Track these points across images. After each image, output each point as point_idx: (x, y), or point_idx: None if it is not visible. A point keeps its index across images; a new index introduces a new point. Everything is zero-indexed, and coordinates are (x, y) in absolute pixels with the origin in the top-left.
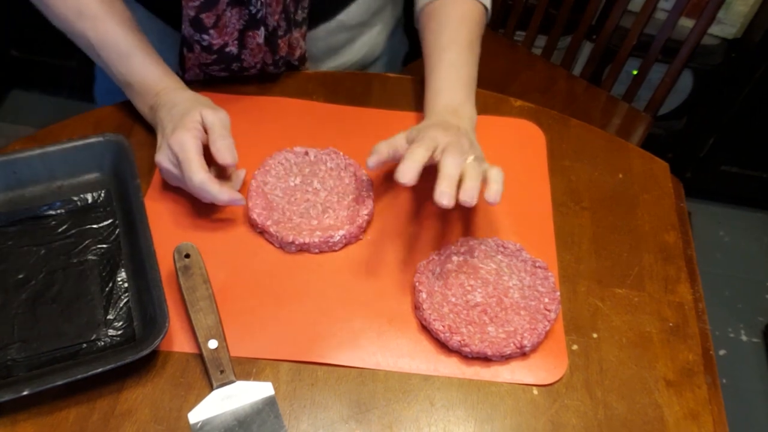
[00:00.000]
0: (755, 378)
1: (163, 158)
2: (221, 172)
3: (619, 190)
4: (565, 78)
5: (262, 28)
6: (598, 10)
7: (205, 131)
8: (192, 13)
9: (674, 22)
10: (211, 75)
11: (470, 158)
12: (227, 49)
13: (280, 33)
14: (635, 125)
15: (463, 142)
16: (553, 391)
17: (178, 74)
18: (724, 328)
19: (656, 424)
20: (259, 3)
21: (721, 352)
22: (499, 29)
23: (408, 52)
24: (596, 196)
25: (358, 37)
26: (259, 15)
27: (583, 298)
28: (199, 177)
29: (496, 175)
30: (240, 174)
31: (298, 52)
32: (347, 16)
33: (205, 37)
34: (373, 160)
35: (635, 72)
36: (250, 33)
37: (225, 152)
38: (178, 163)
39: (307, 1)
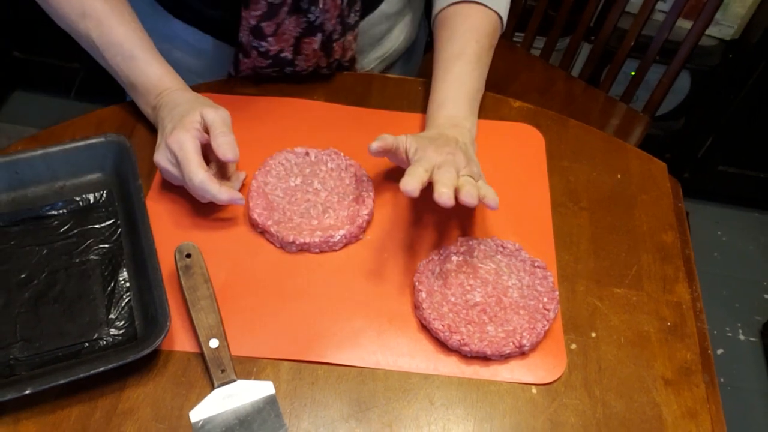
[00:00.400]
0: (753, 377)
1: (161, 158)
2: (221, 172)
3: (617, 191)
4: (563, 79)
5: (319, 35)
6: (597, 11)
7: (206, 131)
8: (253, 22)
9: (672, 24)
10: (265, 74)
11: (464, 173)
12: (282, 55)
13: (335, 37)
14: (633, 126)
15: (459, 158)
16: (552, 390)
17: (229, 74)
18: (722, 327)
19: (654, 423)
20: (317, 11)
21: (719, 352)
22: None
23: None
24: (595, 197)
25: (395, 25)
26: (317, 22)
27: (581, 297)
28: (199, 176)
29: (485, 187)
30: (240, 175)
31: (349, 54)
32: (387, 5)
33: (263, 44)
34: (376, 145)
35: (633, 73)
36: (306, 39)
37: (226, 148)
38: (177, 163)
39: (359, 4)
